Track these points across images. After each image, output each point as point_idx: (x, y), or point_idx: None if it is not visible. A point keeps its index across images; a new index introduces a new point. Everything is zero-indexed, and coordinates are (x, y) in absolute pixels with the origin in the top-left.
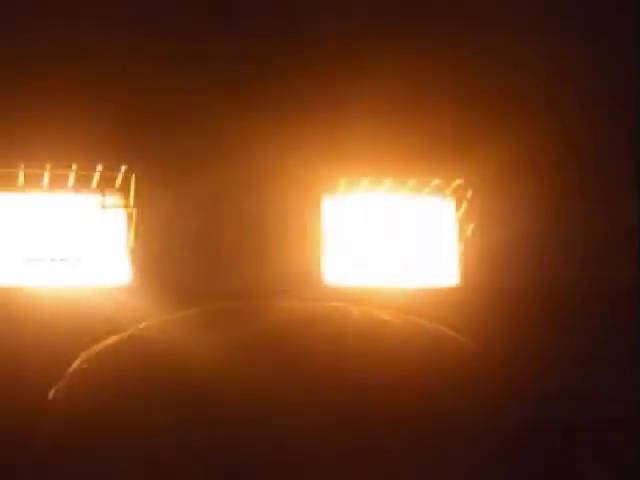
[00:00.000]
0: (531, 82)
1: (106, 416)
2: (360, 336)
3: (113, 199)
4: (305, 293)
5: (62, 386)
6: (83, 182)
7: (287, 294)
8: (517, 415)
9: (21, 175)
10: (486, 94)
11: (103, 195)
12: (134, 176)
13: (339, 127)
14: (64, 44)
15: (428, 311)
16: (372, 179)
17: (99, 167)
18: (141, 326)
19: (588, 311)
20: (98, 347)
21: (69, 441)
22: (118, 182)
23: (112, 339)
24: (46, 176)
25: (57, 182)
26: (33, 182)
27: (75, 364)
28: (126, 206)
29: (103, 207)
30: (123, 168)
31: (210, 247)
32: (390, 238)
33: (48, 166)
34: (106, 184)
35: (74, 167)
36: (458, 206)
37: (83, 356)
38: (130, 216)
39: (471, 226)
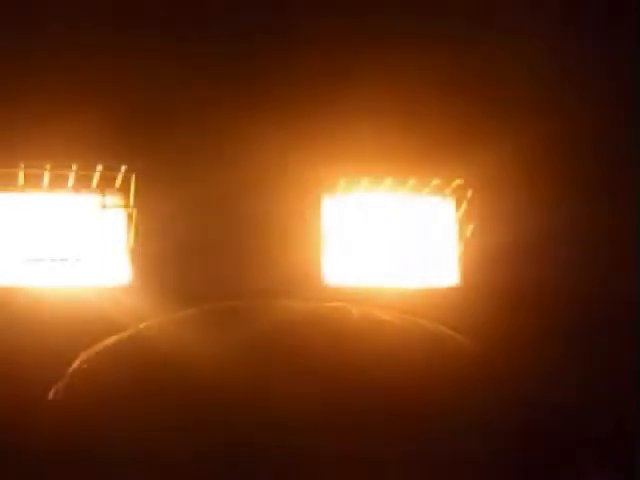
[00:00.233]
0: (531, 82)
1: (106, 416)
2: (360, 336)
3: (113, 199)
4: (305, 293)
5: (62, 386)
6: (83, 182)
7: (287, 294)
8: (517, 415)
9: (21, 175)
10: (486, 94)
11: (103, 195)
12: (134, 176)
13: (339, 127)
14: (64, 44)
15: (428, 311)
16: (372, 179)
17: (99, 167)
18: (141, 326)
19: (588, 311)
20: (98, 347)
21: (69, 441)
22: (118, 182)
23: (112, 339)
24: (46, 176)
25: (57, 182)
26: (33, 182)
27: (75, 364)
28: (126, 206)
29: (103, 207)
30: (123, 168)
31: (210, 247)
32: (390, 238)
33: (48, 166)
34: (106, 184)
35: (74, 167)
36: (458, 206)
37: (83, 356)
38: (130, 216)
39: (471, 226)
